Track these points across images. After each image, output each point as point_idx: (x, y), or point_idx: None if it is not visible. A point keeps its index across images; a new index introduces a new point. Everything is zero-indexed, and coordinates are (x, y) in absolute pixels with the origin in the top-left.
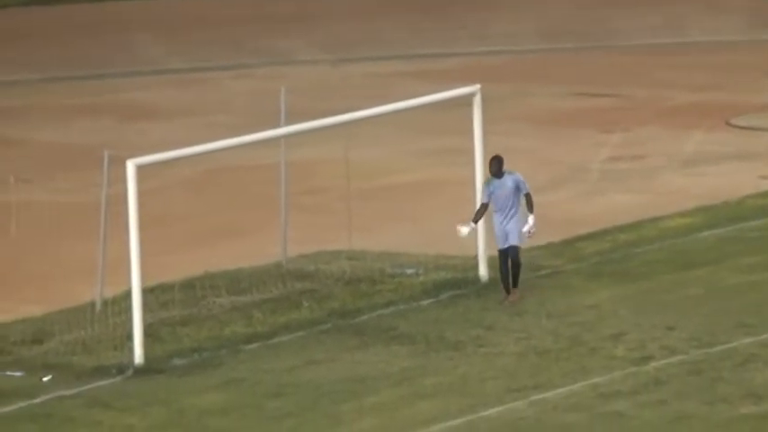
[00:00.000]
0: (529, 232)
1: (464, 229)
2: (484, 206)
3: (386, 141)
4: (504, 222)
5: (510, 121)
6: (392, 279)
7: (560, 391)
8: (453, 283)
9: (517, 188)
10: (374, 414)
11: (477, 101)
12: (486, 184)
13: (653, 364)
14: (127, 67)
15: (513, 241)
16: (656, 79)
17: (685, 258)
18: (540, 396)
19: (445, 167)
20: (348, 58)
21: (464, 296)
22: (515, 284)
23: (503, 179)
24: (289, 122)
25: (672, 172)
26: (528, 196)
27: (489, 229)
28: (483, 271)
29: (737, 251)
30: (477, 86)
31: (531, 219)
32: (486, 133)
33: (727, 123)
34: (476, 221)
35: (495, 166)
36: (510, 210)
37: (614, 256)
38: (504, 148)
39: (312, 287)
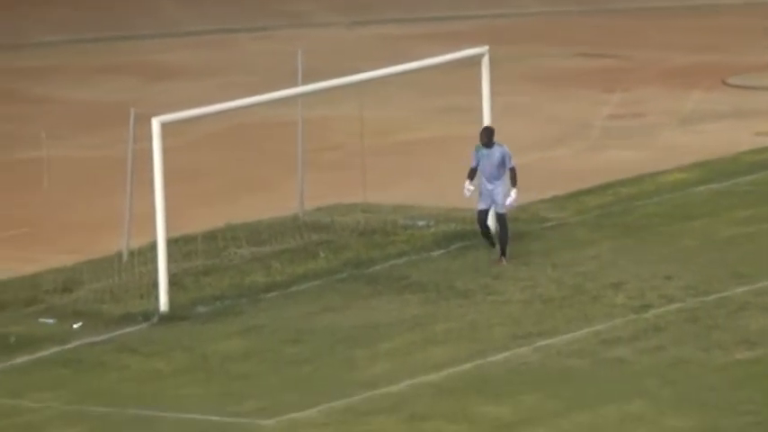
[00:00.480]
0: (511, 204)
1: (467, 192)
2: (473, 170)
3: (398, 100)
4: (490, 187)
5: (517, 81)
6: (404, 231)
7: (564, 337)
8: (463, 234)
9: (503, 161)
10: (388, 359)
11: (485, 61)
12: (476, 150)
13: (652, 311)
14: (151, 29)
15: (498, 209)
16: (655, 41)
17: (683, 211)
18: (545, 342)
19: (455, 125)
20: (362, 21)
21: (473, 247)
22: (504, 252)
23: (492, 150)
24: (305, 82)
25: (670, 129)
26: (512, 171)
27: None
28: (491, 223)
29: (732, 204)
30: (486, 48)
31: (513, 192)
32: (493, 92)
33: (724, 83)
34: (470, 179)
35: (486, 137)
36: (496, 180)
37: (615, 209)
38: (512, 107)
39: (328, 238)
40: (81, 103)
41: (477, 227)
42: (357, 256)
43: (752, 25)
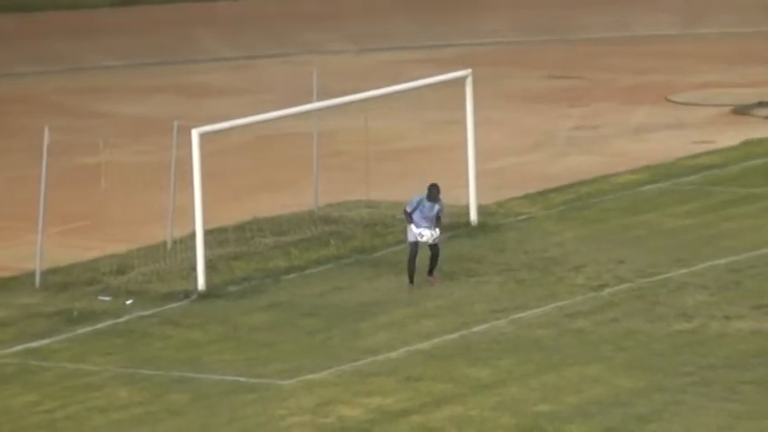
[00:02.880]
0: (432, 234)
1: (419, 237)
2: (406, 213)
3: (397, 114)
4: (422, 229)
5: (495, 99)
6: (401, 223)
7: (534, 311)
8: (449, 226)
9: (437, 214)
10: (387, 330)
11: (468, 82)
12: (419, 200)
13: (607, 290)
14: (191, 55)
15: (430, 242)
16: (609, 65)
17: (633, 207)
18: (518, 316)
19: (443, 135)
20: (367, 49)
21: (458, 236)
22: (431, 272)
23: (432, 203)
24: (319, 99)
25: (622, 138)
26: (440, 219)
27: (478, 183)
28: (473, 217)
29: (674, 201)
30: (469, 70)
31: (437, 230)
32: (476, 108)
33: (667, 99)
34: (412, 222)
35: (433, 193)
36: (427, 227)
37: (577, 204)
38: (491, 119)
39: (338, 229)
40: (132, 117)
41: (410, 260)
42: (362, 245)
43: (688, 51)
